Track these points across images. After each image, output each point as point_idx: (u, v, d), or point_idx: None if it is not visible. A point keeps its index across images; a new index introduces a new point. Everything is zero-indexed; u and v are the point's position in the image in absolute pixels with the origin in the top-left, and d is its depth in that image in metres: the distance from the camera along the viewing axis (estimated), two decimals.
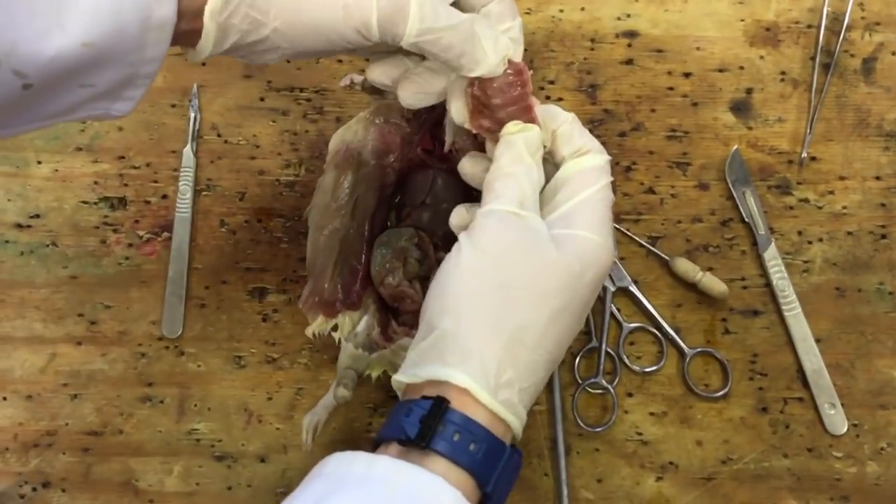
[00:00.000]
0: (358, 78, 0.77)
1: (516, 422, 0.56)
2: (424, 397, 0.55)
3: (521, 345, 0.56)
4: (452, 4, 0.62)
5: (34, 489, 0.79)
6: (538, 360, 0.57)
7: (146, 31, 0.57)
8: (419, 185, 0.77)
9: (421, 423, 0.54)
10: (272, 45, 0.60)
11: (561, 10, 0.84)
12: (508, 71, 0.62)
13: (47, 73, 0.55)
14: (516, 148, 0.61)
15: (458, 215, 0.64)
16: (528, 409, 0.58)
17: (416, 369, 0.57)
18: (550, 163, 0.63)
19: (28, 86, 0.55)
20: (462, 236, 0.60)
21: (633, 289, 0.80)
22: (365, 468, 0.54)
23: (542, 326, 0.56)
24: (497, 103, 0.62)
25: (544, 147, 0.63)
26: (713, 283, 0.79)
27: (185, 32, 0.59)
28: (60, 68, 0.55)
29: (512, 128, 0.62)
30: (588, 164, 0.61)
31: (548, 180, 0.62)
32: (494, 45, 0.61)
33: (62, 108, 0.59)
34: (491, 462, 0.55)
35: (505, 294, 0.57)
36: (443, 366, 0.56)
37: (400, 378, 0.58)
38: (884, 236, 0.80)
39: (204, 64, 0.84)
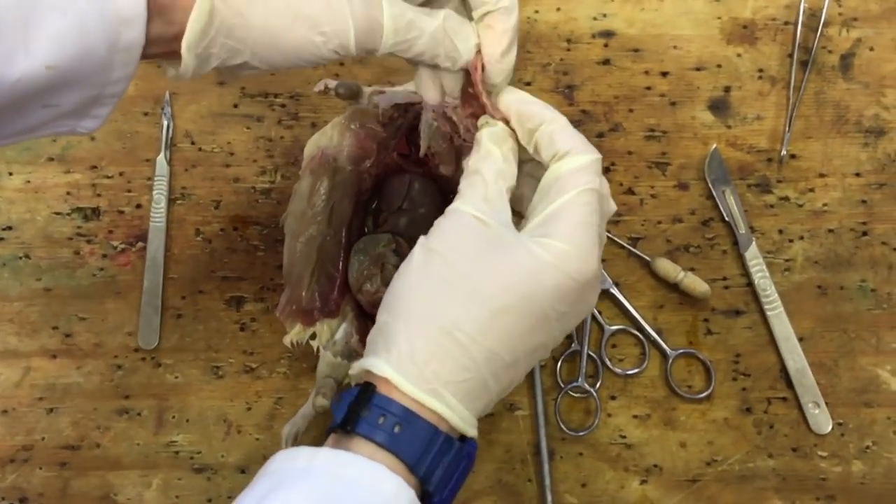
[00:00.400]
0: (332, 83, 0.76)
1: (447, 411, 0.55)
2: (356, 385, 0.56)
3: (451, 338, 0.55)
4: None
5: None
6: (475, 357, 0.55)
7: (113, 53, 0.56)
8: (396, 190, 0.76)
9: (348, 409, 0.55)
10: (251, 67, 0.61)
11: (536, 11, 0.83)
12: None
13: (11, 95, 0.54)
14: (481, 144, 0.61)
15: None
16: (476, 406, 0.56)
17: (357, 362, 0.57)
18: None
19: None
20: (420, 238, 0.59)
21: (615, 291, 0.79)
22: (307, 461, 0.54)
23: (481, 323, 0.55)
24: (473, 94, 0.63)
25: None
26: (695, 284, 0.78)
27: (162, 54, 0.59)
28: (24, 90, 0.55)
29: (480, 122, 0.62)
30: (566, 167, 0.59)
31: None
32: (465, 42, 0.62)
33: (26, 126, 0.58)
34: (420, 446, 0.54)
35: (445, 290, 0.56)
36: (372, 356, 0.56)
37: (350, 373, 0.59)
38: (865, 233, 0.80)
39: None
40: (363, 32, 0.59)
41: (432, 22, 0.61)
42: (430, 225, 0.75)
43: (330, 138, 0.75)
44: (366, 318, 0.76)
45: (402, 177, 0.77)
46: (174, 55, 0.59)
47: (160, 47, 0.58)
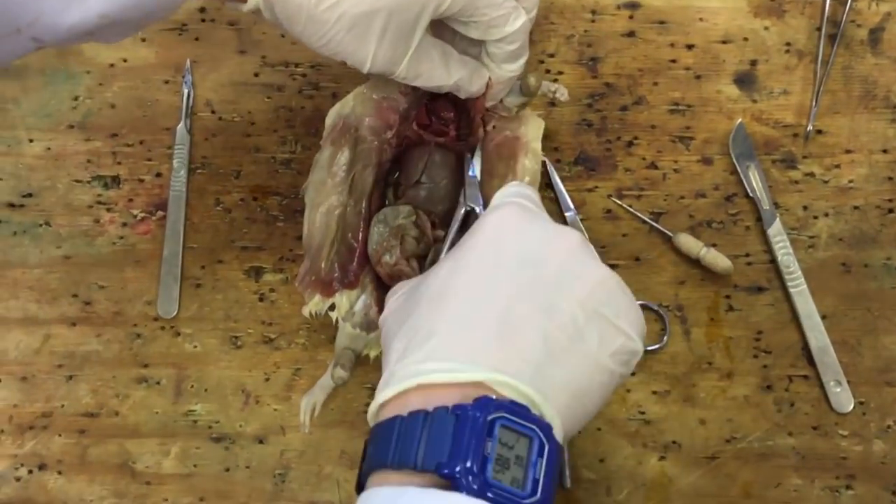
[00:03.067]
0: None
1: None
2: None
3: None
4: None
5: (30, 471, 0.78)
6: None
7: (160, 5, 0.63)
8: (415, 162, 0.76)
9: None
10: None
11: None
12: None
13: (61, 39, 0.60)
14: None
15: None
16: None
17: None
18: None
19: (41, 47, 0.61)
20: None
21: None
22: None
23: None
24: None
25: None
26: (717, 259, 0.77)
27: None
28: (73, 35, 0.60)
29: None
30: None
31: None
32: (476, 85, 0.73)
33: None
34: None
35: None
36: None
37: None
38: (891, 210, 0.79)
39: (197, 39, 0.83)
40: (378, 69, 0.68)
41: (444, 80, 0.70)
42: (450, 198, 0.75)
43: (352, 108, 0.75)
44: (384, 289, 0.75)
45: (422, 148, 0.76)
46: None
47: None
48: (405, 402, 0.52)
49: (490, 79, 0.72)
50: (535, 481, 0.50)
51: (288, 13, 0.64)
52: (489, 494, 0.48)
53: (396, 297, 0.63)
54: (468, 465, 0.48)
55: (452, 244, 0.73)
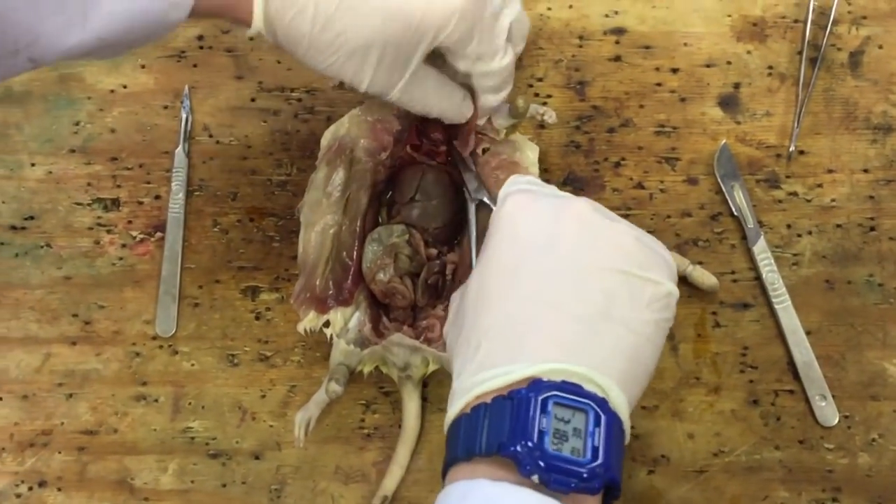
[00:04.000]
0: None
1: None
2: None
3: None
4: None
5: (30, 488, 0.79)
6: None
7: (156, 29, 0.64)
8: (409, 181, 0.78)
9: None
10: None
11: (549, 8, 0.85)
12: None
13: (57, 60, 0.61)
14: None
15: None
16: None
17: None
18: None
19: (36, 67, 0.61)
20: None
21: None
22: None
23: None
24: None
25: None
26: (703, 277, 0.79)
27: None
28: (70, 56, 0.61)
29: None
30: None
31: None
32: (464, 112, 0.75)
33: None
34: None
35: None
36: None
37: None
38: (872, 228, 0.81)
39: (195, 66, 0.85)
40: (375, 91, 0.70)
41: (438, 104, 0.72)
42: (441, 216, 0.77)
43: (347, 129, 0.77)
44: (378, 306, 0.77)
45: (415, 168, 0.78)
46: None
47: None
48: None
49: (475, 108, 0.75)
50: (595, 449, 0.51)
51: (290, 39, 0.67)
52: (550, 465, 0.50)
53: (453, 307, 0.66)
54: (525, 440, 0.51)
55: (477, 243, 0.76)
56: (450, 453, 0.55)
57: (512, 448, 0.51)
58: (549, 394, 0.52)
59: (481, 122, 0.76)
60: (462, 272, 0.76)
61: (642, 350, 0.57)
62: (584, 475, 0.51)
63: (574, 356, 0.54)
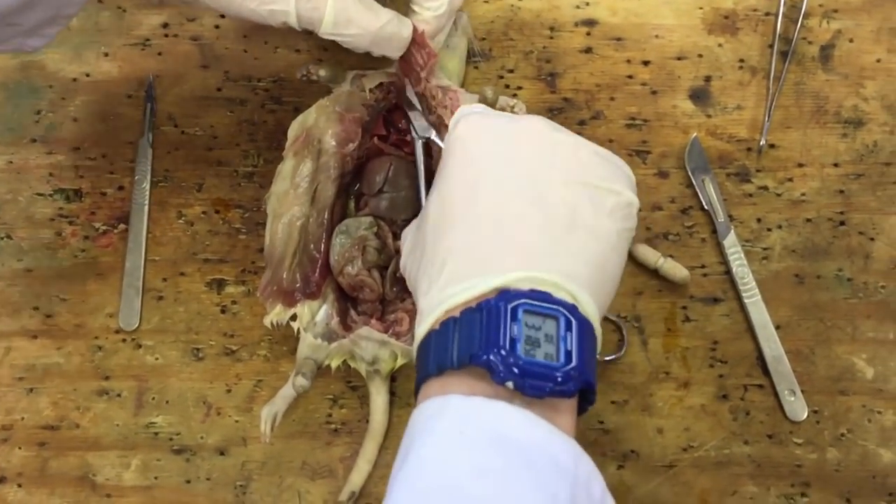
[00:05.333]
0: (314, 68, 0.77)
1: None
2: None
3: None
4: None
5: None
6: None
7: None
8: (376, 172, 0.77)
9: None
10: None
11: None
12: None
13: None
14: None
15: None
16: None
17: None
18: None
19: None
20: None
21: None
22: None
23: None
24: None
25: None
26: (674, 269, 0.78)
27: None
28: (1, 11, 0.60)
29: None
30: None
31: None
32: (399, 41, 0.71)
33: None
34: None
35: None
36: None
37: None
38: (842, 223, 0.80)
39: (160, 54, 0.84)
40: (304, 20, 0.67)
41: (374, 22, 0.69)
42: (410, 207, 0.76)
43: (315, 120, 0.76)
44: (346, 300, 0.76)
45: (383, 159, 0.77)
46: None
47: None
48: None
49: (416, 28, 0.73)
50: (568, 353, 0.51)
51: None
52: (524, 370, 0.50)
53: (407, 240, 0.65)
54: (498, 348, 0.50)
55: (426, 184, 0.74)
56: (421, 371, 0.54)
57: (484, 357, 0.50)
58: (518, 302, 0.51)
59: (437, 46, 0.76)
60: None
61: (608, 257, 0.57)
62: (559, 378, 0.50)
63: (541, 264, 0.54)
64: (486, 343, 0.50)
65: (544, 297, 0.52)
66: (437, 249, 0.57)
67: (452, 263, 0.56)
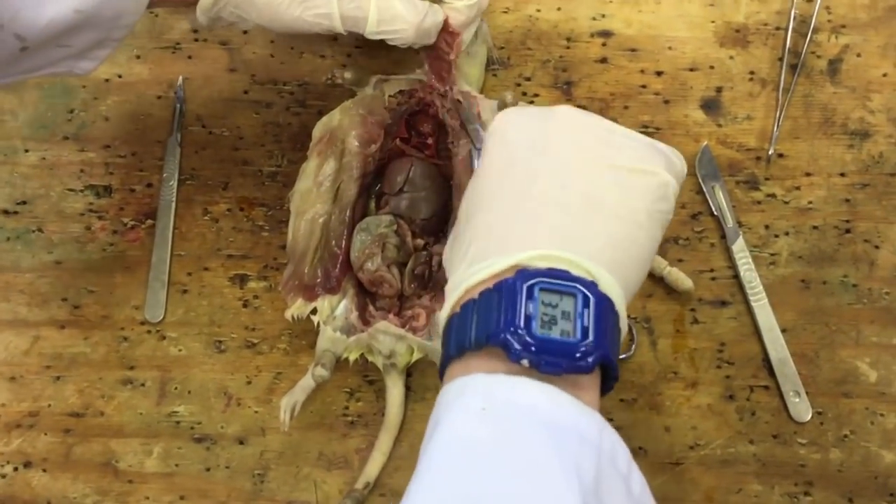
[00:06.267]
0: (339, 72, 0.79)
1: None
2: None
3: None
4: None
5: (15, 469, 0.80)
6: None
7: (127, 6, 0.66)
8: (397, 173, 0.79)
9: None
10: (257, 27, 0.71)
11: (538, 10, 0.87)
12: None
13: (41, 36, 0.62)
14: None
15: None
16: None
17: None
18: None
19: (25, 48, 0.62)
20: None
21: None
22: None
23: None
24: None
25: None
26: (679, 279, 0.80)
27: (176, 3, 0.71)
28: (52, 32, 0.62)
29: None
30: None
31: None
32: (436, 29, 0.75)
33: (39, 64, 0.66)
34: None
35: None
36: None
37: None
38: (848, 231, 0.83)
39: (190, 57, 0.86)
40: (348, 21, 0.70)
41: (416, 16, 0.72)
42: (430, 207, 0.79)
43: (339, 121, 0.78)
44: (365, 295, 0.79)
45: (404, 160, 0.80)
46: (189, 5, 0.69)
47: (172, 2, 0.71)
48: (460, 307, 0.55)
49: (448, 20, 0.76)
50: (585, 329, 0.51)
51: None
52: (539, 347, 0.50)
53: (451, 236, 0.64)
54: (513, 327, 0.50)
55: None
56: (444, 354, 0.55)
57: (501, 336, 0.51)
58: (534, 280, 0.52)
59: (466, 41, 0.79)
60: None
61: (634, 238, 0.56)
62: (576, 355, 0.50)
63: (561, 243, 0.54)
64: (503, 322, 0.51)
65: (562, 274, 0.52)
66: (465, 231, 0.58)
67: (476, 244, 0.56)
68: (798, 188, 0.83)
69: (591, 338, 0.51)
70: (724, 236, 0.82)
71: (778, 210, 0.83)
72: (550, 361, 0.50)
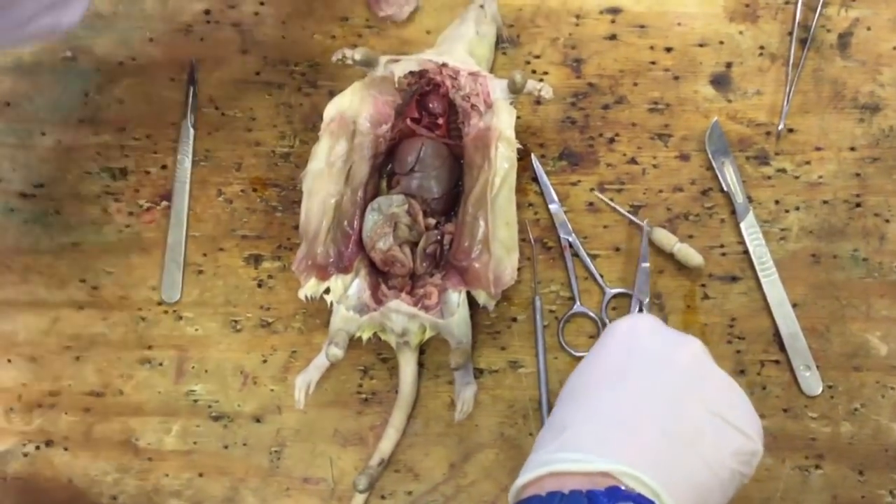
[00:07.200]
0: (349, 52, 0.80)
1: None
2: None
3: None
4: None
5: (37, 447, 0.82)
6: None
7: None
8: (409, 153, 0.80)
9: None
10: None
11: None
12: None
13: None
14: None
15: None
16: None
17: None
18: None
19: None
20: None
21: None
22: None
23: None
24: None
25: None
26: (689, 255, 0.81)
27: None
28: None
29: None
30: None
31: None
32: None
33: (18, 19, 0.64)
34: None
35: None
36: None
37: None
38: (858, 205, 0.83)
39: (202, 39, 0.87)
40: None
41: None
42: (441, 186, 0.79)
43: (350, 102, 0.79)
44: (377, 274, 0.79)
45: (415, 141, 0.80)
46: None
47: None
48: (541, 486, 0.56)
49: None
50: None
51: None
52: None
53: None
54: None
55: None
56: None
57: None
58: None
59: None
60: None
61: (713, 492, 0.58)
62: None
63: (651, 469, 0.55)
64: None
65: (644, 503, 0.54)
66: (565, 411, 0.60)
67: (572, 430, 0.58)
68: (808, 163, 0.84)
69: None
70: (734, 212, 0.83)
71: (788, 185, 0.83)
72: None
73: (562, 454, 0.57)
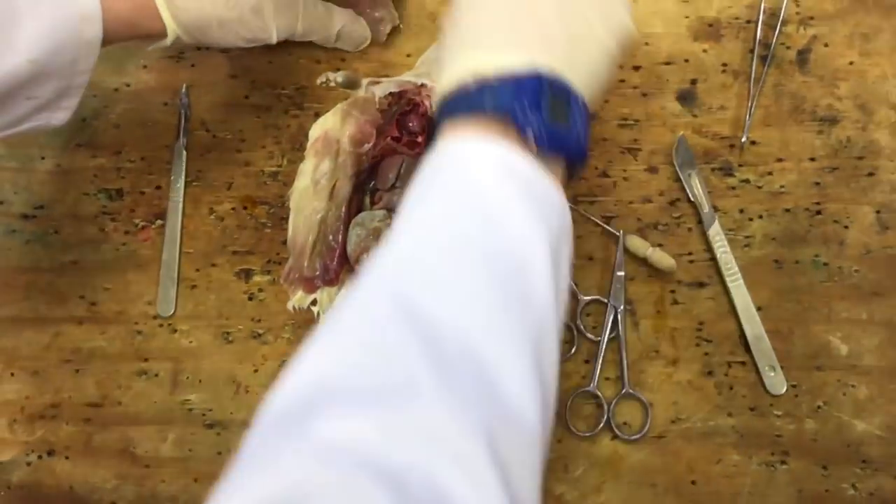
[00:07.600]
0: (333, 75, 0.84)
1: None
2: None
3: None
4: None
5: (40, 457, 0.85)
6: None
7: (78, 48, 0.70)
8: (390, 170, 0.84)
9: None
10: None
11: None
12: None
13: (1, 88, 0.67)
14: None
15: None
16: None
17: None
18: None
19: None
20: None
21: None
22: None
23: None
24: None
25: None
26: (662, 258, 0.85)
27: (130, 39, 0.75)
28: (12, 83, 0.67)
29: None
30: None
31: None
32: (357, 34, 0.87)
33: (12, 119, 0.70)
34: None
35: None
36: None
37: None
38: (818, 212, 0.87)
39: (193, 65, 0.91)
40: (283, 35, 0.81)
41: (331, 27, 0.85)
42: None
43: (333, 123, 0.83)
44: None
45: (395, 158, 0.84)
46: (142, 38, 0.75)
47: (125, 41, 0.75)
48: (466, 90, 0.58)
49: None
50: (576, 126, 0.57)
51: (201, 26, 0.75)
52: (546, 130, 0.55)
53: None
54: (527, 105, 0.55)
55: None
56: (447, 112, 0.57)
57: (515, 104, 0.55)
58: (547, 84, 0.56)
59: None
60: None
61: (600, 77, 0.61)
62: (572, 140, 0.57)
63: (561, 64, 0.57)
64: (516, 101, 0.55)
65: (565, 86, 0.57)
66: (467, 19, 0.60)
67: (486, 32, 0.59)
68: (770, 173, 0.87)
69: (582, 131, 0.58)
70: (700, 221, 0.86)
71: (752, 195, 0.87)
72: (553, 133, 0.55)
73: (481, 54, 0.58)
